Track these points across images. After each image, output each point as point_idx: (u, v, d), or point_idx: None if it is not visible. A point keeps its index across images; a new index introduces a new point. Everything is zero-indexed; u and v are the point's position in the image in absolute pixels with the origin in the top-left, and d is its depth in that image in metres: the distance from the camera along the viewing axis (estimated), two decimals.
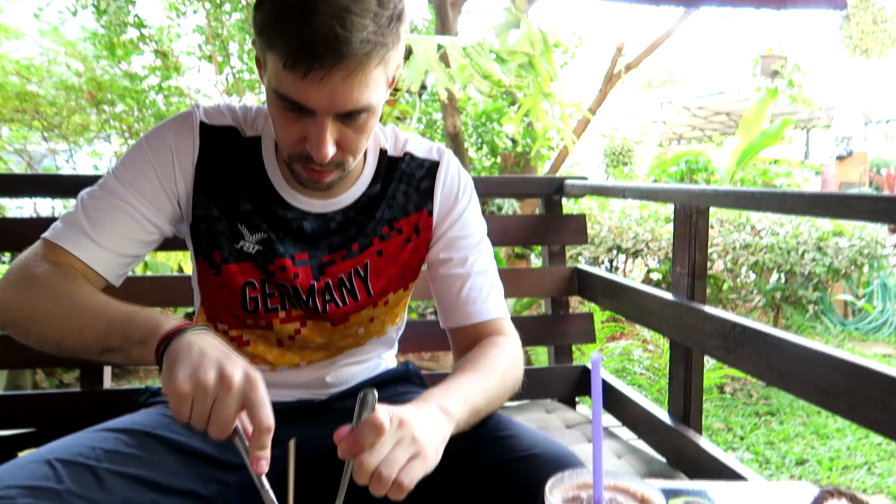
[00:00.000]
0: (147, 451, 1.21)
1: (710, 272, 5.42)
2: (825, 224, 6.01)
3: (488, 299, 1.37)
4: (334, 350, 1.39)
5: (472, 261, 1.39)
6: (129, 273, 1.32)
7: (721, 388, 4.81)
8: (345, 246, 1.33)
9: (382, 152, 1.38)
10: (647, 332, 3.53)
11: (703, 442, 1.65)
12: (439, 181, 1.39)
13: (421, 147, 1.41)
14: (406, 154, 1.39)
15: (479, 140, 6.55)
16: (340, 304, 1.33)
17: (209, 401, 0.90)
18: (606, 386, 2.17)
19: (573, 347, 2.36)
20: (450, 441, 1.05)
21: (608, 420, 2.17)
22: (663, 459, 1.78)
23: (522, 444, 1.24)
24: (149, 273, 3.91)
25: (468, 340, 1.37)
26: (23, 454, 1.16)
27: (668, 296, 1.76)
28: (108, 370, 1.97)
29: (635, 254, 5.30)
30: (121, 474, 1.15)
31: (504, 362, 1.28)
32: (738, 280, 5.61)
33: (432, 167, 1.40)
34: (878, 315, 6.78)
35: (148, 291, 1.93)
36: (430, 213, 1.38)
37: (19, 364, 2.36)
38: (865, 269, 6.37)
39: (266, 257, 1.29)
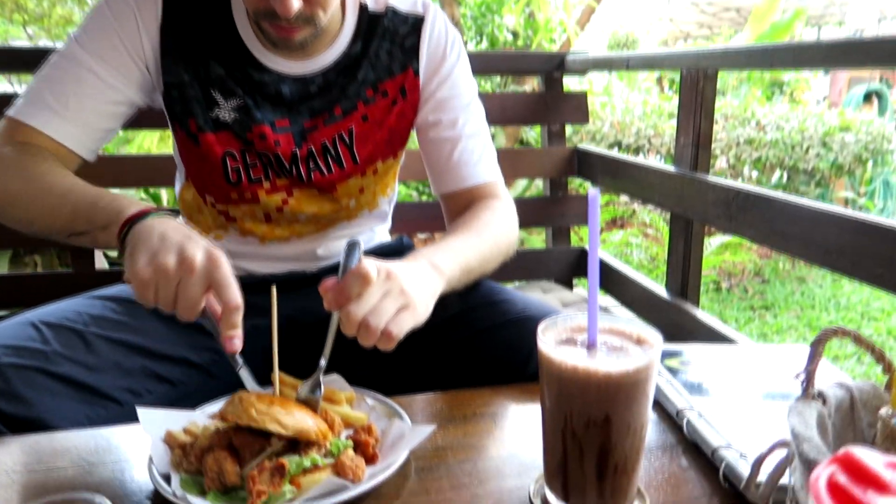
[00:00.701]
0: (136, 318, 1.19)
1: (712, 170, 5.33)
2: (832, 119, 5.87)
3: (480, 162, 1.32)
4: (324, 223, 1.35)
5: (462, 122, 1.32)
6: (116, 153, 1.26)
7: (717, 285, 4.84)
8: (326, 110, 1.26)
9: (363, 8, 1.28)
10: (646, 217, 3.49)
11: (701, 314, 1.64)
12: (424, 38, 1.30)
13: (404, 1, 1.31)
14: (388, 9, 1.29)
15: (479, 33, 6.30)
16: (326, 171, 1.27)
17: (172, 284, 0.86)
18: (605, 267, 2.15)
19: (571, 231, 2.32)
20: (442, 306, 1.02)
21: (606, 301, 2.16)
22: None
23: (515, 307, 1.22)
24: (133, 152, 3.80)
25: (460, 205, 1.33)
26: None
27: (671, 168, 1.71)
28: (99, 251, 1.94)
29: (637, 150, 5.20)
30: (109, 339, 1.13)
31: (497, 223, 1.25)
32: (740, 178, 5.53)
33: (417, 23, 1.30)
34: (878, 213, 6.75)
35: (132, 171, 1.87)
36: (417, 73, 1.30)
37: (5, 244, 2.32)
38: (869, 165, 6.28)
39: (243, 125, 1.22)
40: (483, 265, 1.18)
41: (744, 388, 1.01)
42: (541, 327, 0.75)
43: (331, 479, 0.80)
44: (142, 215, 0.96)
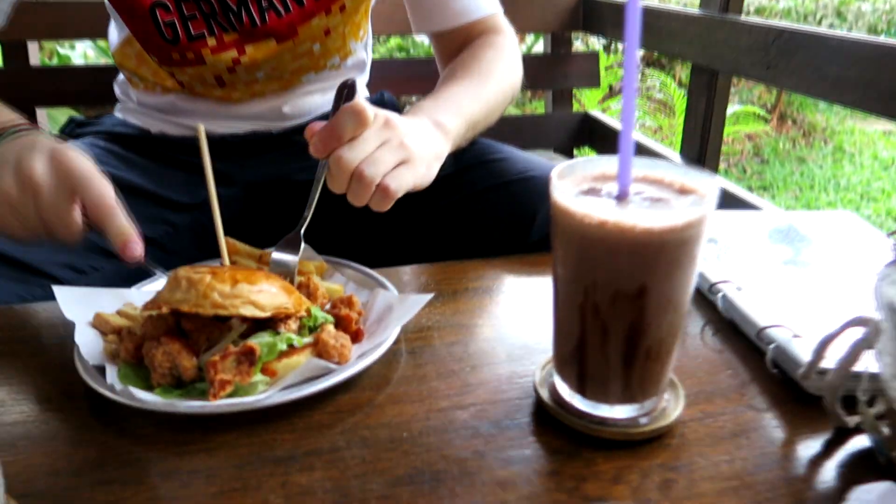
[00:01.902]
0: None
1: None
2: None
3: None
4: (288, 78, 1.14)
5: None
6: None
7: None
8: None
9: None
10: (655, 81, 3.21)
11: (721, 182, 1.46)
12: None
13: None
14: None
15: None
16: (283, 11, 1.04)
17: (28, 211, 0.71)
18: (607, 131, 1.95)
19: (573, 94, 2.10)
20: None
21: None
22: None
23: (516, 166, 1.05)
24: None
25: (456, 44, 1.12)
26: None
27: (695, 11, 1.47)
28: (33, 44, 1.67)
29: None
30: None
31: (503, 65, 1.06)
32: None
33: None
34: None
35: (71, 20, 1.61)
36: None
37: None
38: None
39: None
40: (488, 117, 1.03)
41: (782, 259, 0.85)
42: (555, 172, 0.57)
43: (312, 362, 0.64)
44: None
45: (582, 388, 0.59)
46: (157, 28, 1.03)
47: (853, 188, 4.93)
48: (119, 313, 0.74)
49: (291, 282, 0.76)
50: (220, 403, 0.59)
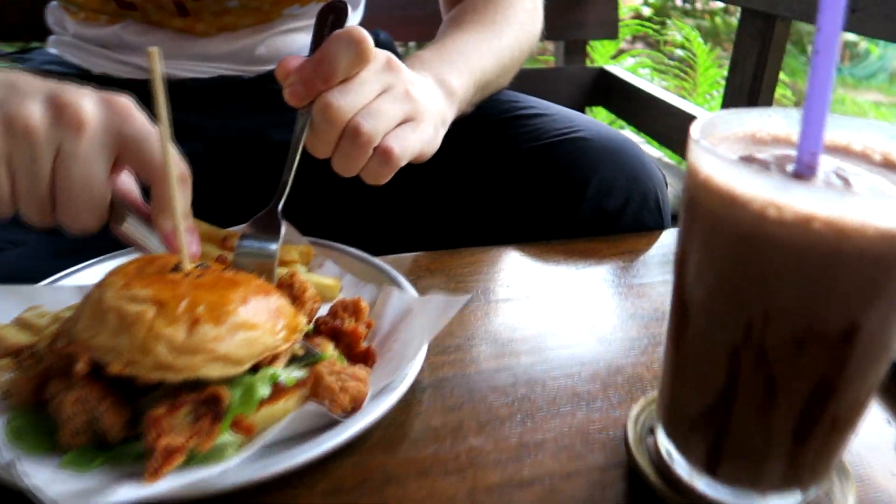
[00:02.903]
0: None
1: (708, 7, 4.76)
2: None
3: None
4: (267, 9, 0.92)
5: None
6: None
7: None
8: None
9: None
10: (676, 33, 2.91)
11: None
12: None
13: None
14: None
15: None
16: None
17: (44, 154, 0.47)
18: (627, 89, 1.72)
19: (587, 47, 1.87)
20: (454, 125, 0.69)
21: (628, 135, 1.76)
22: None
23: (557, 123, 0.83)
24: None
25: None
26: None
27: None
28: None
29: None
30: None
31: (521, 11, 0.86)
32: (735, 21, 4.97)
33: None
34: (876, 60, 6.33)
35: None
36: None
37: None
38: None
39: None
40: (501, 77, 0.85)
41: None
42: (696, 128, 0.35)
43: (305, 411, 0.43)
44: None
45: (714, 466, 0.39)
46: None
47: None
48: (19, 322, 0.51)
49: (269, 280, 0.53)
50: (165, 486, 0.37)
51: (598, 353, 0.55)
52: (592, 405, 0.48)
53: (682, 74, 2.57)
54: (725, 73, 2.19)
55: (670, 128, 1.53)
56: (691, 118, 1.47)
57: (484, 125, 0.85)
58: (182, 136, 0.95)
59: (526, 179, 0.78)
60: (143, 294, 0.39)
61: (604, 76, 1.79)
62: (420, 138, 0.60)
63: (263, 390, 0.41)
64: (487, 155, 0.83)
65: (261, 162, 0.92)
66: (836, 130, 0.38)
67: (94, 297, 0.40)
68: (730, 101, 1.35)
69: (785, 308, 0.32)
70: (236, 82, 0.96)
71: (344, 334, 0.51)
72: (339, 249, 0.64)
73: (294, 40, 0.98)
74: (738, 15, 1.30)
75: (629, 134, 1.83)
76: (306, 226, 0.67)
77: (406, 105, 0.59)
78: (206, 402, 0.39)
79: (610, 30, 1.77)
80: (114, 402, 0.40)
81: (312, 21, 0.97)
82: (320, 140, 0.55)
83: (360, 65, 0.55)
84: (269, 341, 0.42)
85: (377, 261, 0.62)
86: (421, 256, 0.69)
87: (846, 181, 0.34)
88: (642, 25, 2.90)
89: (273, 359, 0.43)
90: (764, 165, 0.35)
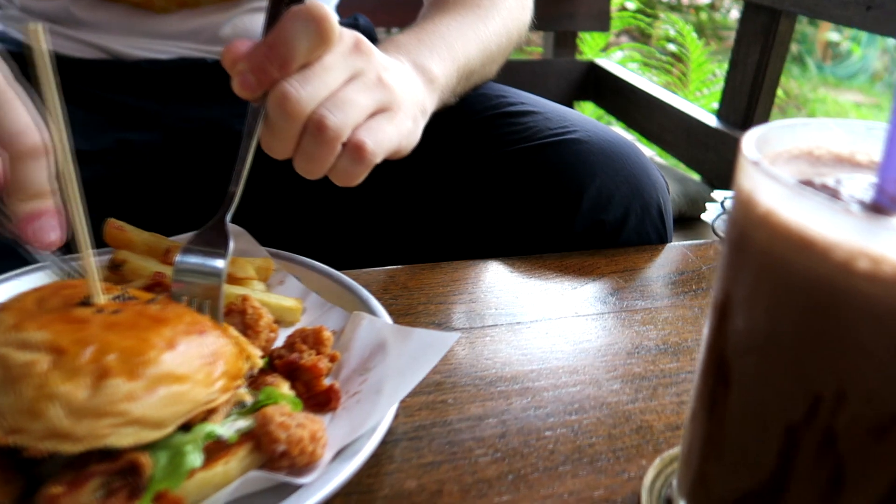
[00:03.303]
0: None
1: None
2: None
3: None
4: None
5: None
6: None
7: None
8: None
9: None
10: (669, 27, 2.81)
11: None
12: None
13: None
14: None
15: None
16: None
17: None
18: (617, 84, 1.65)
19: (577, 39, 1.79)
20: (435, 121, 0.62)
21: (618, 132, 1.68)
22: (697, 178, 1.34)
23: (550, 123, 0.75)
24: None
25: None
26: None
27: None
28: None
29: None
30: None
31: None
32: (721, 16, 4.93)
33: None
34: (857, 60, 6.36)
35: None
36: None
37: None
38: None
39: None
40: (487, 66, 0.78)
41: None
42: (749, 144, 0.27)
43: (250, 478, 0.35)
44: None
45: None
46: None
47: None
48: None
49: (215, 305, 0.44)
50: None
51: (599, 396, 0.47)
52: (596, 463, 0.41)
53: (672, 70, 2.50)
54: (717, 69, 2.12)
55: (663, 126, 1.46)
56: (686, 117, 1.40)
57: (468, 122, 0.77)
58: (136, 124, 0.86)
59: (515, 185, 0.70)
60: (37, 338, 0.31)
61: (593, 70, 1.72)
62: (397, 130, 0.51)
63: (194, 456, 0.33)
64: (471, 156, 0.75)
65: (224, 156, 0.82)
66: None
67: None
68: (729, 100, 1.28)
69: (868, 387, 0.25)
70: (198, 65, 0.87)
71: (302, 370, 0.43)
72: (303, 264, 0.55)
73: (261, 21, 0.89)
74: (740, 10, 1.22)
75: (621, 132, 1.75)
76: (265, 236, 0.58)
77: (378, 93, 0.51)
78: (122, 472, 0.31)
79: (602, 21, 1.70)
80: (2, 471, 0.32)
81: None
82: (277, 138, 0.47)
83: (322, 47, 0.47)
84: (201, 395, 0.33)
85: (346, 278, 0.53)
86: (397, 271, 0.61)
87: None
88: (635, 18, 2.83)
89: (209, 413, 0.35)
90: (832, 194, 0.27)
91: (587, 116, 0.80)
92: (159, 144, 0.83)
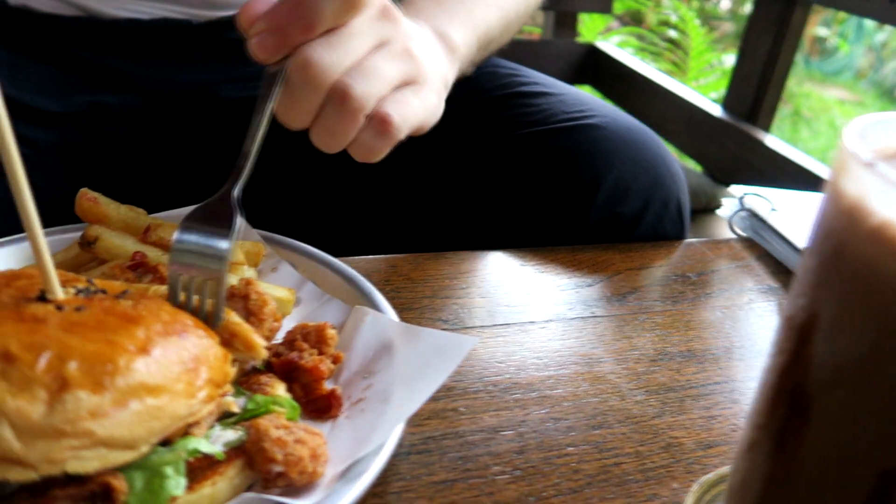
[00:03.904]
0: None
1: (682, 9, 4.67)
2: None
3: None
4: None
5: None
6: None
7: None
8: None
9: None
10: (671, 13, 2.72)
11: (774, 142, 1.15)
12: None
13: None
14: None
15: None
16: None
17: None
18: (617, 68, 1.60)
19: (577, 19, 1.73)
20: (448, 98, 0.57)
21: None
22: (699, 170, 1.30)
23: (565, 106, 0.70)
24: None
25: None
26: None
27: None
28: None
29: None
30: None
31: None
32: (711, 4, 4.89)
33: None
34: (844, 56, 6.39)
35: None
36: None
37: None
38: None
39: None
40: (504, 35, 0.73)
41: None
42: (852, 138, 0.23)
43: (245, 500, 0.31)
44: None
45: None
46: None
47: (811, 153, 4.81)
48: None
49: (218, 288, 0.38)
50: None
51: (623, 408, 0.43)
52: (625, 485, 0.37)
53: (671, 56, 2.46)
54: (719, 57, 2.07)
55: (664, 114, 1.42)
56: (689, 105, 1.36)
57: (477, 101, 0.72)
58: (114, 86, 0.80)
59: (526, 171, 0.65)
60: None
61: (594, 53, 1.67)
62: (423, 105, 0.48)
63: (176, 481, 0.28)
64: (480, 138, 0.70)
65: (210, 124, 0.77)
66: None
67: None
68: (735, 90, 1.24)
69: None
70: (184, 27, 0.81)
71: (301, 371, 0.38)
72: (298, 249, 0.51)
73: None
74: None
75: None
76: (258, 216, 0.53)
77: (405, 64, 0.47)
78: (91, 498, 0.26)
79: (603, 2, 1.64)
80: None
81: None
82: (296, 107, 0.43)
83: (351, 11, 0.42)
84: (181, 408, 0.29)
85: (346, 267, 0.49)
86: (399, 260, 0.57)
87: None
88: (637, 2, 2.76)
89: (190, 426, 0.30)
90: None
91: (604, 102, 0.75)
92: (138, 108, 0.78)
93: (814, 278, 0.25)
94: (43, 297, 0.29)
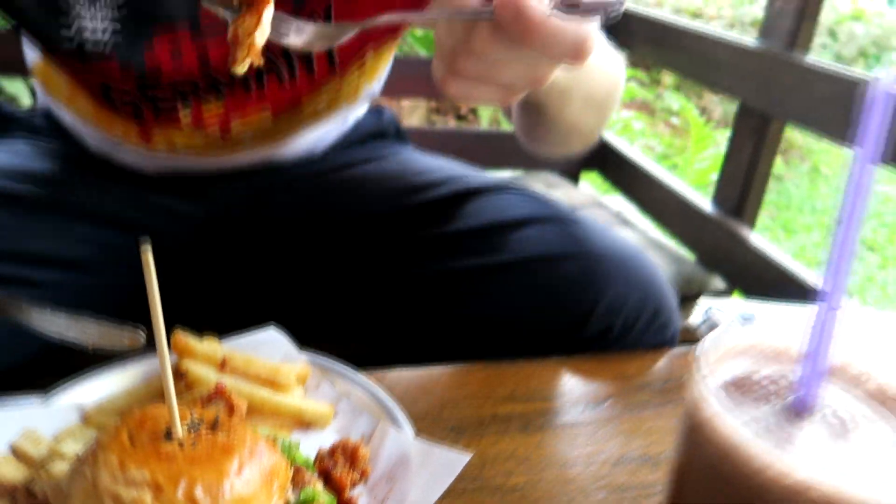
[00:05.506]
0: None
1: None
2: (843, 4, 5.37)
3: None
4: (283, 132, 0.90)
5: None
6: None
7: None
8: None
9: None
10: (673, 102, 2.92)
11: (758, 240, 1.27)
12: None
13: None
14: None
15: None
16: (287, 76, 0.81)
17: None
18: (621, 159, 1.75)
19: None
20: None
21: (620, 204, 1.78)
22: (692, 258, 1.43)
23: (566, 235, 0.79)
24: None
25: None
26: None
27: (751, 42, 1.27)
28: None
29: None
30: None
31: (612, 61, 0.76)
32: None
33: None
34: None
35: None
36: None
37: None
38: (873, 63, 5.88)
39: (130, 45, 0.73)
40: (600, 114, 0.77)
41: None
42: (703, 353, 0.36)
43: None
44: None
45: None
46: (109, 102, 0.80)
47: (829, 211, 4.88)
48: (15, 452, 0.51)
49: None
50: None
51: None
52: None
53: (675, 139, 2.62)
54: (715, 140, 2.21)
55: (661, 204, 1.56)
56: (683, 198, 1.49)
57: (481, 219, 0.81)
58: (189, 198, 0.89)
59: (518, 297, 0.75)
60: (140, 477, 0.39)
61: (601, 144, 1.82)
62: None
63: None
64: (482, 256, 0.78)
65: (262, 242, 0.87)
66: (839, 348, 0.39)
67: (86, 477, 0.41)
68: (723, 188, 1.37)
69: None
70: (268, 170, 0.92)
71: (331, 479, 0.51)
72: (335, 370, 0.64)
73: (307, 140, 0.94)
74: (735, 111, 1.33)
75: (623, 202, 1.84)
76: (293, 327, 0.67)
77: None
78: None
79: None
80: None
81: (331, 125, 0.94)
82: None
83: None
84: None
85: (374, 387, 0.62)
86: (388, 375, 0.69)
87: (843, 425, 0.35)
88: (642, 90, 2.94)
89: None
90: (763, 397, 0.36)
91: (595, 222, 0.83)
92: (201, 220, 0.89)
93: (683, 441, 0.38)
94: (169, 436, 0.43)
